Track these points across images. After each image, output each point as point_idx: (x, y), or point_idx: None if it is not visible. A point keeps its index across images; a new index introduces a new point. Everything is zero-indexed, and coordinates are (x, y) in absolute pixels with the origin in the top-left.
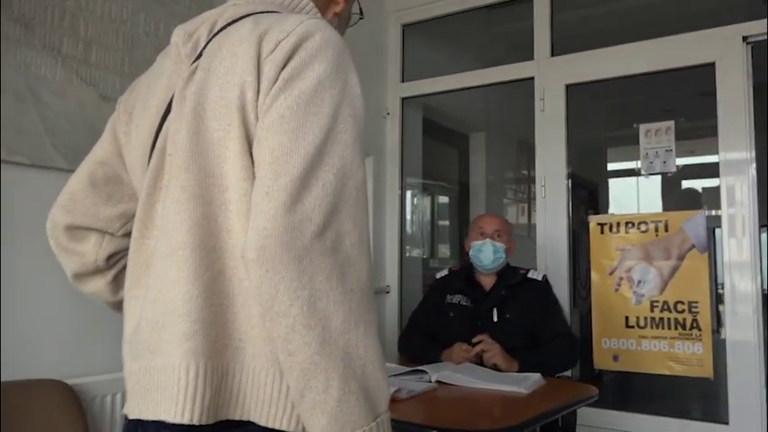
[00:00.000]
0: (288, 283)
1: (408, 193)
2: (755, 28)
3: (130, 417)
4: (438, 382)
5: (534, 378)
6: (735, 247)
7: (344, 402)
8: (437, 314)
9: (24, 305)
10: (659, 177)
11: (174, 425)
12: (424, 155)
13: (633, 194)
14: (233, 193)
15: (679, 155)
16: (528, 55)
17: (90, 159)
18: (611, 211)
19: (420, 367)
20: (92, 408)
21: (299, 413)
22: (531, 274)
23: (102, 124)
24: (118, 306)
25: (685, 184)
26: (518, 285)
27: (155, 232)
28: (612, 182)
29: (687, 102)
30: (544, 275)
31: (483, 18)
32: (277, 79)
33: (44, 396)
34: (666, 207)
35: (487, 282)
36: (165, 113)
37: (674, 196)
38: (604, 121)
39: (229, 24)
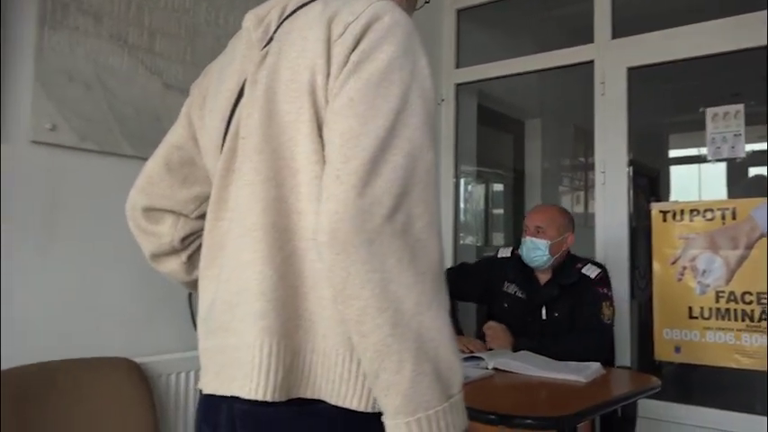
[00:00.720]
0: (359, 266)
1: (462, 181)
2: None
3: (205, 392)
4: (495, 369)
5: (594, 367)
6: None
7: (417, 383)
8: (487, 293)
9: (95, 287)
10: (723, 164)
11: (247, 400)
12: (478, 142)
13: (695, 182)
14: (304, 176)
15: (748, 140)
16: (586, 38)
17: (166, 143)
18: (672, 198)
19: (477, 354)
20: (158, 385)
21: (374, 394)
22: (585, 270)
23: (166, 111)
24: (192, 285)
25: (753, 171)
26: (573, 284)
27: (228, 214)
28: (674, 169)
29: (757, 85)
30: (599, 272)
31: (539, 1)
32: (347, 62)
33: (113, 373)
34: (732, 195)
35: (543, 277)
36: (238, 98)
37: (742, 183)
38: (666, 105)
39: (299, 8)
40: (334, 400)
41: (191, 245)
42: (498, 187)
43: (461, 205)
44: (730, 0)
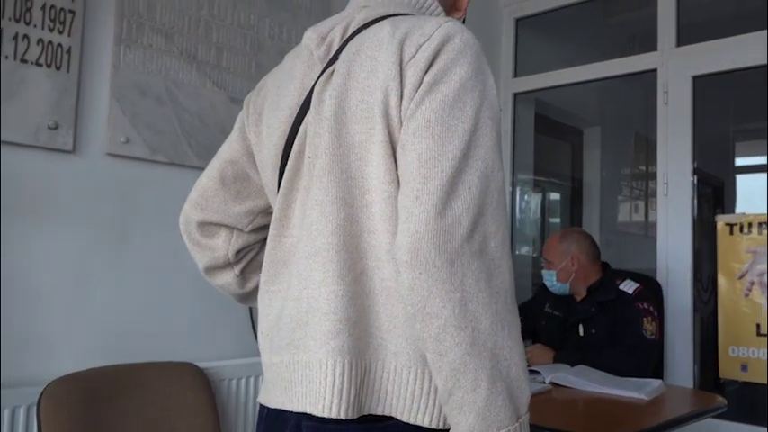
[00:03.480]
0: (441, 285)
1: (519, 190)
2: None
3: (271, 406)
4: (552, 383)
5: (656, 384)
6: None
7: (492, 402)
8: (534, 317)
9: (163, 294)
10: None
11: (318, 418)
12: (536, 151)
13: (763, 192)
14: (375, 195)
15: None
16: (647, 45)
17: (220, 158)
18: (738, 208)
19: (534, 368)
20: (220, 389)
21: (445, 411)
22: (623, 286)
23: (232, 124)
24: (244, 298)
25: None
26: (611, 301)
27: (293, 231)
28: (740, 178)
29: None
30: (637, 287)
31: (598, 9)
32: (421, 83)
33: (179, 377)
34: None
35: (579, 295)
36: (298, 116)
37: None
38: (731, 113)
39: (364, 27)
40: (405, 417)
41: (243, 258)
42: (556, 197)
43: (517, 215)
44: None
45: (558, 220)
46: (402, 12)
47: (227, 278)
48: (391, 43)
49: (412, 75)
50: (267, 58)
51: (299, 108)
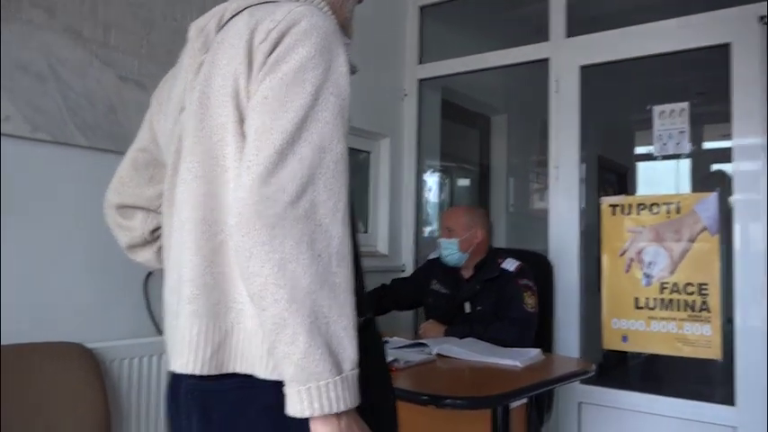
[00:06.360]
0: (260, 246)
1: (426, 175)
2: None
3: (168, 369)
4: (438, 354)
5: (533, 353)
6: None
7: (310, 355)
8: (419, 294)
9: (49, 274)
10: (688, 161)
11: (193, 376)
12: (444, 137)
13: (668, 178)
14: (232, 173)
15: (713, 138)
16: (546, 37)
17: (133, 147)
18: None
19: (423, 340)
20: (110, 370)
21: (275, 363)
22: (504, 265)
23: (121, 103)
24: None
25: (716, 168)
26: (494, 279)
27: (173, 209)
28: (644, 165)
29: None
30: (517, 265)
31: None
32: (265, 64)
33: (64, 357)
34: (695, 190)
35: (466, 273)
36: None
37: (699, 179)
38: (632, 103)
39: (232, 17)
40: (262, 374)
41: (160, 236)
42: (464, 182)
43: (426, 199)
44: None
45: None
46: (268, 0)
47: (147, 255)
48: (245, 31)
49: (258, 57)
50: (159, 37)
51: (184, 97)
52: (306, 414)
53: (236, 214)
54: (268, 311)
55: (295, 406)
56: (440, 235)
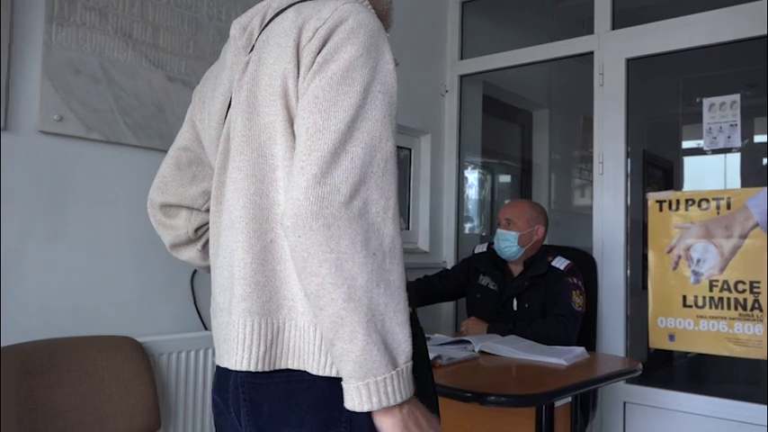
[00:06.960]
0: (317, 247)
1: (467, 171)
2: None
3: (218, 364)
4: (481, 351)
5: (577, 351)
6: None
7: (367, 352)
8: (462, 288)
9: (101, 270)
10: (737, 155)
11: (247, 372)
12: (485, 132)
13: (715, 173)
14: (281, 171)
15: (764, 131)
16: (590, 30)
17: (175, 146)
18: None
19: (466, 337)
20: (159, 363)
21: (332, 361)
22: (554, 263)
23: (168, 103)
24: (210, 270)
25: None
26: (542, 276)
27: (222, 207)
28: (690, 160)
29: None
30: (567, 264)
31: None
32: (313, 64)
33: (116, 350)
34: (747, 185)
35: (516, 269)
36: (229, 103)
37: (750, 174)
38: (679, 96)
39: (277, 15)
40: (314, 370)
41: (204, 234)
42: (505, 178)
43: (467, 195)
44: None
45: (507, 201)
46: None
47: (191, 253)
48: (292, 29)
49: (306, 56)
50: (206, 38)
51: (229, 95)
52: (365, 408)
53: (291, 215)
54: (326, 310)
55: (354, 400)
56: (497, 225)
